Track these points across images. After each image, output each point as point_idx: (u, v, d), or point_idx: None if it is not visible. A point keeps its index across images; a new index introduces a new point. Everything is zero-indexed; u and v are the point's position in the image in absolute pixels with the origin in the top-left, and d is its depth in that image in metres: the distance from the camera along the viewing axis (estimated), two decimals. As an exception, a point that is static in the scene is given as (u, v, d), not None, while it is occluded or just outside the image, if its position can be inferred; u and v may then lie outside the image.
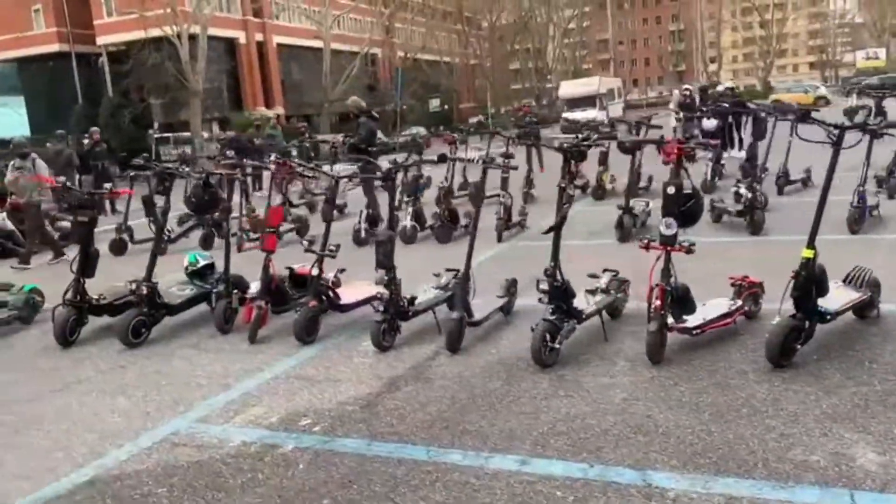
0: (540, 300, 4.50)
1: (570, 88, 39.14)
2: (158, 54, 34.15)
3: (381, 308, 5.02)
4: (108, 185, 12.34)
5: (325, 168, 9.83)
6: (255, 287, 6.19)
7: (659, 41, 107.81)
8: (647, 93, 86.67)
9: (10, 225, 11.76)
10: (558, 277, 4.40)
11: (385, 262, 4.99)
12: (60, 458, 3.81)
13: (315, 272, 5.38)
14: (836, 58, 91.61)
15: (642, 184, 11.66)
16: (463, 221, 9.41)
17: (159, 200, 8.45)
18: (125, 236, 10.77)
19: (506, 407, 3.91)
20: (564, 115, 35.79)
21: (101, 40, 44.32)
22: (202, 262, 6.38)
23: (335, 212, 6.14)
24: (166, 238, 10.54)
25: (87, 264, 6.08)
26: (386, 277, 5.04)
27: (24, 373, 5.38)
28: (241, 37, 47.77)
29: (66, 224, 12.62)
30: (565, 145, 4.70)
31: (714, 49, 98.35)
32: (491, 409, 3.90)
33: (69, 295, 6.02)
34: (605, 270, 5.19)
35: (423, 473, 3.28)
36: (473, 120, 50.67)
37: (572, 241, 8.44)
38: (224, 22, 44.20)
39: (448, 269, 5.75)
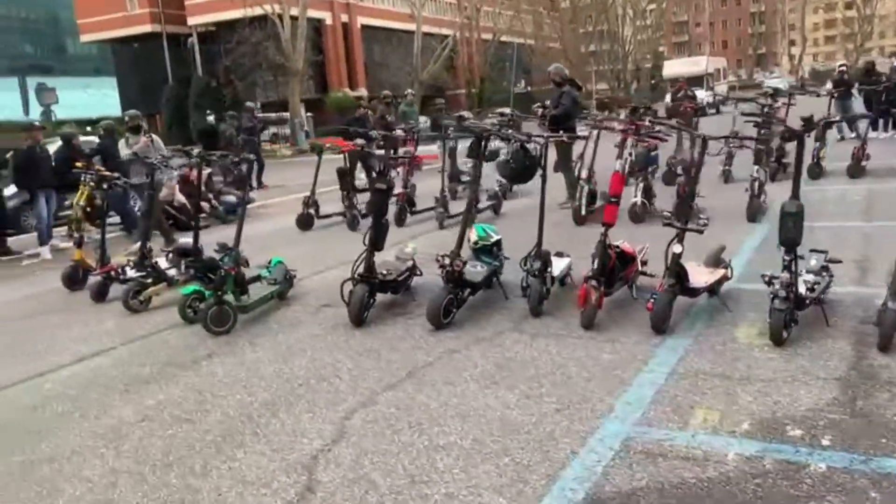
0: None
1: (675, 68, 37.56)
2: (262, 32, 34.05)
3: (782, 295, 4.23)
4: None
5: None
6: (558, 265, 5.53)
7: (738, 23, 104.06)
8: (727, 76, 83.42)
9: (181, 198, 11.37)
10: None
11: (795, 237, 4.21)
12: (510, 465, 3.16)
13: (677, 249, 4.64)
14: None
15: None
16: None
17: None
18: (311, 211, 10.25)
19: None
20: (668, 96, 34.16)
21: (191, 21, 44.57)
22: (493, 238, 5.71)
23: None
24: (361, 214, 10.04)
25: (380, 236, 5.47)
26: (787, 258, 4.27)
27: (342, 355, 4.77)
28: (327, 18, 47.55)
29: (231, 199, 12.25)
30: None
31: (796, 32, 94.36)
32: None
33: (361, 270, 5.42)
34: None
35: None
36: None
37: (847, 222, 7.59)
38: (311, 3, 43.94)
39: (814, 251, 4.95)
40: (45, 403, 4.39)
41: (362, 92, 47.04)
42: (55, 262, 9.40)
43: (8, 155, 9.76)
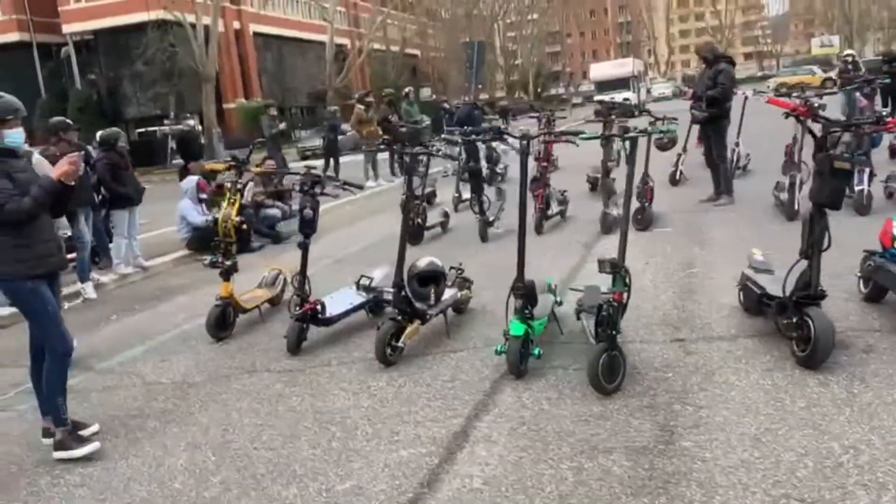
0: None
1: (602, 70, 37.59)
2: (168, 37, 31.08)
3: None
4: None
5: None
6: None
7: (605, 33, 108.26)
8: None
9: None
10: None
11: None
12: None
13: None
14: (776, 48, 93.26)
15: None
16: None
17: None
18: (420, 220, 8.38)
19: None
20: (597, 97, 34.19)
21: (66, 28, 40.23)
22: None
23: None
24: (489, 221, 8.34)
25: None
26: None
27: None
28: (219, 25, 44.36)
29: (274, 212, 10.15)
30: None
31: (659, 41, 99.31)
32: None
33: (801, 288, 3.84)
34: None
35: None
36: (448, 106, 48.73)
37: None
38: (200, 9, 40.87)
39: None
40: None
41: (257, 102, 44.34)
42: (101, 301, 7.10)
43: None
